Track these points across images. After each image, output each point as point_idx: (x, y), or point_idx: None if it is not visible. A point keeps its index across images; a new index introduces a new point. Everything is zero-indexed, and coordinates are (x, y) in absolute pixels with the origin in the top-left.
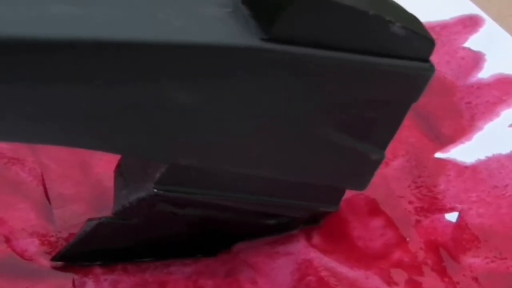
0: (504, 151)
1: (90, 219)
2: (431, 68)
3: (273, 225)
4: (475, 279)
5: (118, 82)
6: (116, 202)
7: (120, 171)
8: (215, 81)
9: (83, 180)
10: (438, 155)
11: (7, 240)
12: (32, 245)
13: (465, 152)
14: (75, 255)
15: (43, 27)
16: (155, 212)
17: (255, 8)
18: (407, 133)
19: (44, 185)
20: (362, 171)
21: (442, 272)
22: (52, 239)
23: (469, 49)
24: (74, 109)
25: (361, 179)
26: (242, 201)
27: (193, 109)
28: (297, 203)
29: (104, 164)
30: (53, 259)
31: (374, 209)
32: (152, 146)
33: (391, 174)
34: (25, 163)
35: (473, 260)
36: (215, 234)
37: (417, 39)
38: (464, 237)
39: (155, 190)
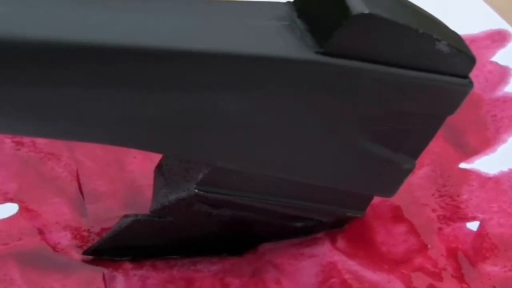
0: None
1: (126, 216)
2: (470, 84)
3: (299, 228)
4: (493, 287)
5: (172, 89)
6: (155, 200)
7: (161, 170)
8: (266, 91)
9: (116, 177)
10: (462, 165)
11: (41, 233)
12: (64, 239)
13: (489, 163)
14: (107, 250)
15: (103, 33)
16: (191, 211)
17: (310, 23)
18: (433, 143)
19: (78, 181)
20: (393, 179)
21: (461, 279)
22: (84, 233)
23: (496, 64)
24: (128, 112)
25: (391, 187)
26: (275, 203)
27: (240, 117)
28: (327, 208)
29: (137, 162)
30: (85, 253)
31: (398, 215)
32: (198, 149)
33: (416, 182)
34: (60, 158)
35: (491, 269)
36: (243, 234)
37: (460, 56)
38: (484, 246)
39: (196, 190)
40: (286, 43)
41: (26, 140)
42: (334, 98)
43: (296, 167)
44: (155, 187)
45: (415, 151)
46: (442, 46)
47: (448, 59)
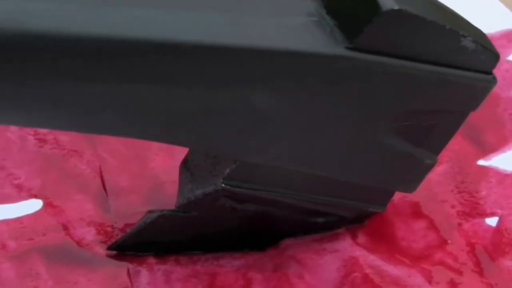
0: None
1: (150, 211)
2: (494, 81)
3: (321, 223)
4: None
5: (204, 84)
6: (181, 195)
7: (186, 166)
8: (295, 86)
9: (139, 174)
10: (480, 162)
11: (65, 228)
12: (88, 234)
13: (506, 160)
14: (131, 245)
15: (135, 28)
16: (216, 206)
17: (339, 19)
18: (452, 140)
19: (101, 177)
20: (415, 175)
21: (480, 273)
22: (108, 229)
23: None
24: (160, 107)
25: (413, 182)
26: (299, 198)
27: (269, 112)
28: (349, 203)
29: (160, 159)
30: (109, 248)
31: (417, 211)
32: (226, 144)
33: (435, 179)
34: (83, 155)
35: (511, 263)
36: (265, 230)
37: (484, 53)
38: (503, 241)
39: (223, 185)
40: (316, 38)
41: (49, 137)
42: (362, 94)
43: (321, 162)
44: (180, 183)
45: (437, 147)
46: (468, 43)
47: (473, 55)
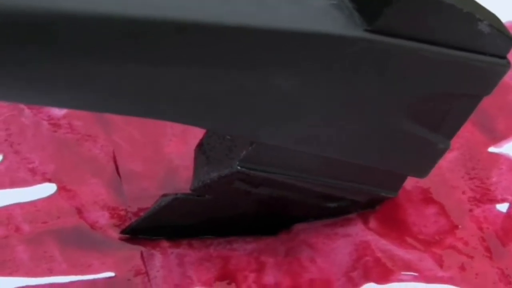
0: None
1: (164, 195)
2: (508, 65)
3: (333, 208)
4: None
5: (225, 65)
6: (196, 178)
7: (202, 149)
8: (315, 68)
9: (153, 159)
10: (491, 149)
11: (79, 212)
12: (102, 218)
13: None
14: (144, 229)
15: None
16: (231, 190)
17: (358, 2)
18: (463, 127)
19: (115, 162)
20: (428, 159)
21: (491, 258)
22: (121, 213)
23: None
24: (181, 88)
25: (425, 167)
26: (313, 182)
27: (287, 94)
28: (362, 187)
29: (174, 144)
30: (123, 232)
31: (428, 197)
32: (245, 125)
33: (446, 166)
34: (97, 140)
35: None
36: (277, 214)
37: (500, 37)
38: None
39: (239, 167)
40: (335, 20)
41: (63, 122)
42: (379, 76)
43: (337, 145)
44: (195, 166)
45: (451, 131)
46: (484, 27)
47: (489, 39)
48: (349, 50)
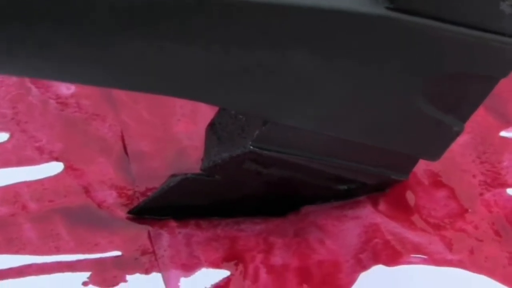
0: None
1: (173, 175)
2: None
3: (342, 190)
4: None
5: (246, 43)
6: (206, 158)
7: (213, 129)
8: (335, 46)
9: (161, 139)
10: (503, 133)
11: (86, 191)
12: (110, 197)
13: None
14: (152, 209)
15: None
16: (241, 170)
17: None
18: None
19: (123, 141)
20: (441, 142)
21: (501, 242)
22: (129, 192)
23: None
24: (202, 65)
25: (438, 149)
26: (325, 163)
27: (306, 72)
28: (373, 170)
29: (183, 124)
30: (130, 212)
31: (438, 181)
32: (262, 104)
33: (457, 150)
34: (105, 119)
35: None
36: (287, 195)
37: None
38: None
39: (251, 147)
40: None
41: (71, 101)
42: (399, 56)
43: (353, 126)
44: (206, 146)
45: (465, 114)
46: (506, 7)
47: (509, 20)
48: (370, 28)
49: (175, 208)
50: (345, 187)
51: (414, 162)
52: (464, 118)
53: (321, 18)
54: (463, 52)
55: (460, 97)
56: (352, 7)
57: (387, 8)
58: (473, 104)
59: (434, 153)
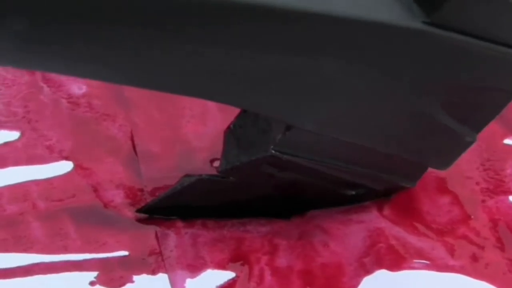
0: None
1: (187, 175)
2: None
3: (349, 196)
4: None
5: (281, 49)
6: (224, 160)
7: (232, 132)
8: (367, 55)
9: (170, 139)
10: (506, 141)
11: (95, 190)
12: (118, 197)
13: None
14: (161, 208)
15: None
16: (257, 173)
17: None
18: None
19: (132, 141)
20: (453, 151)
21: (502, 249)
22: (137, 192)
23: None
24: (233, 68)
25: (449, 159)
26: (338, 168)
27: (333, 79)
28: (383, 176)
29: (192, 126)
30: (138, 210)
31: (442, 187)
32: (287, 108)
33: (462, 156)
34: (115, 119)
35: None
36: (295, 198)
37: None
38: None
39: (273, 151)
40: (394, 11)
41: (82, 101)
42: (425, 67)
43: (370, 132)
44: (225, 148)
45: (479, 125)
46: None
47: None
48: (405, 41)
49: (183, 208)
50: (353, 192)
51: (423, 170)
52: (478, 128)
53: (357, 28)
54: (488, 66)
55: (476, 109)
56: (391, 20)
57: (424, 22)
58: (489, 115)
59: (445, 162)
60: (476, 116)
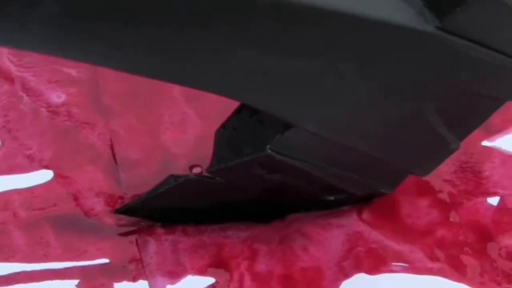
0: None
1: (172, 175)
2: None
3: (328, 201)
4: (511, 259)
5: (298, 51)
6: (215, 160)
7: (224, 132)
8: (378, 56)
9: (150, 146)
10: (484, 143)
11: (75, 199)
12: (98, 205)
13: (510, 142)
14: (140, 210)
15: None
16: (246, 174)
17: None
18: None
19: (112, 149)
20: (437, 157)
21: (480, 250)
22: (118, 200)
23: None
24: (248, 68)
25: (431, 165)
26: (328, 172)
27: (343, 80)
28: (364, 181)
29: (171, 133)
30: (118, 211)
31: (421, 190)
32: (291, 106)
33: None
34: (95, 128)
35: (510, 241)
36: (277, 202)
37: None
38: (503, 220)
39: (269, 151)
40: (406, 14)
41: (62, 109)
42: (430, 71)
43: (365, 135)
44: (216, 148)
45: (464, 132)
46: None
47: None
48: (418, 45)
49: (164, 210)
50: (332, 198)
51: (403, 177)
52: (462, 136)
53: (372, 30)
54: (486, 72)
55: (466, 115)
56: (402, 21)
57: (436, 27)
58: (476, 122)
59: (427, 169)
60: (464, 123)
